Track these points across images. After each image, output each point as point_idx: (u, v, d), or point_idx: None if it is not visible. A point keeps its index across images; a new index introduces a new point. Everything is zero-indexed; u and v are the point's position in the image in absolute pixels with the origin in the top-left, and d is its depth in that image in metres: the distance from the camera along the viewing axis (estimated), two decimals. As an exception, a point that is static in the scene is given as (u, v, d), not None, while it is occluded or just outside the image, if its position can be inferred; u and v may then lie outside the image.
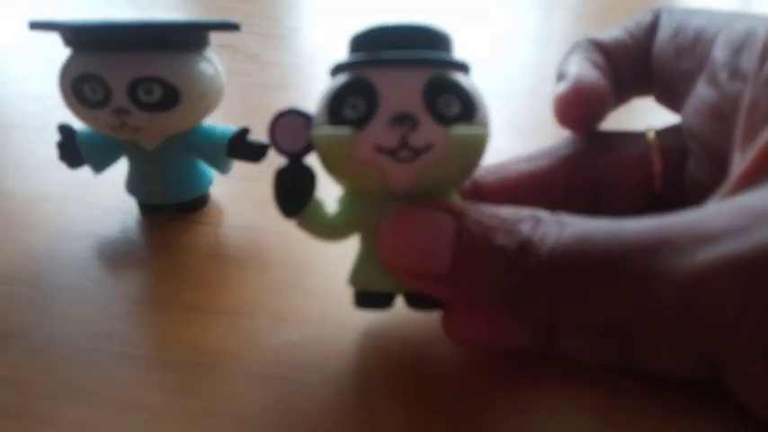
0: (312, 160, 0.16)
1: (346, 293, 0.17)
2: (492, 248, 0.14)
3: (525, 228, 0.14)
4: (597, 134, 0.20)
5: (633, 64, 0.20)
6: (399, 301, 0.17)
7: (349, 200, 0.16)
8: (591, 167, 0.20)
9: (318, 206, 0.16)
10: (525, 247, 0.14)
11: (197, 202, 0.24)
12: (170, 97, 0.20)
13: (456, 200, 0.16)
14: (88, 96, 0.20)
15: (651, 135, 0.20)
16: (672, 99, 0.20)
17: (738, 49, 0.17)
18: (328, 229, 0.16)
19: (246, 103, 0.35)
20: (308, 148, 0.15)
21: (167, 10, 0.58)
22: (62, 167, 0.23)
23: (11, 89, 0.37)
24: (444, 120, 0.14)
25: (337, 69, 0.15)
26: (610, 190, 0.20)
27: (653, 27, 0.20)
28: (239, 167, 0.23)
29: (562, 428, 0.15)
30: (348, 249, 0.17)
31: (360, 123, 0.14)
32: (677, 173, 0.19)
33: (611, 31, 0.21)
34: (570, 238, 0.13)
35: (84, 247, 0.22)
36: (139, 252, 0.22)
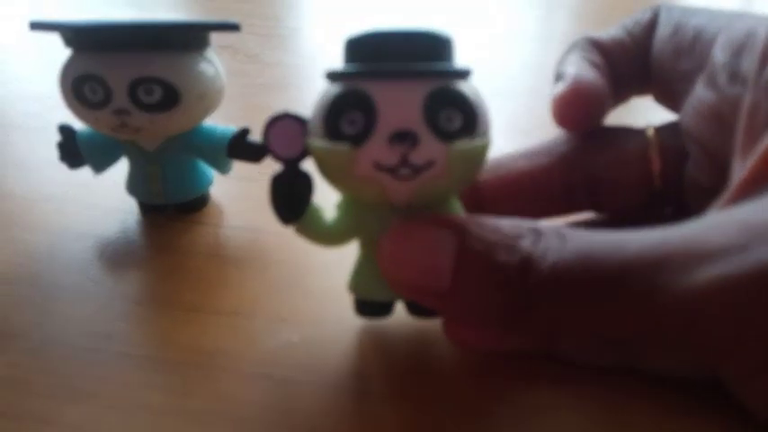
0: (309, 165, 0.15)
1: (346, 294, 0.17)
2: (493, 265, 0.14)
3: (526, 243, 0.14)
4: (596, 131, 0.20)
5: (631, 63, 0.20)
6: (400, 303, 0.17)
7: (348, 206, 0.16)
8: (590, 164, 0.19)
9: (316, 212, 0.16)
10: (526, 264, 0.14)
11: (197, 203, 0.24)
12: (170, 98, 0.20)
13: (456, 206, 0.16)
14: (88, 97, 0.20)
15: (650, 132, 0.20)
16: (670, 98, 0.20)
17: (738, 51, 0.16)
18: (327, 236, 0.16)
19: (246, 104, 0.35)
20: (304, 154, 0.15)
21: (167, 10, 0.58)
22: (62, 168, 0.23)
23: (11, 89, 0.37)
24: (446, 136, 0.14)
25: (334, 77, 0.14)
26: (609, 187, 0.20)
27: (652, 25, 0.20)
28: (239, 168, 0.23)
29: (562, 428, 0.15)
30: (348, 250, 0.17)
31: (358, 140, 0.14)
32: (676, 171, 0.19)
33: (610, 30, 0.21)
34: (571, 254, 0.13)
35: (84, 247, 0.22)
36: (139, 252, 0.22)
